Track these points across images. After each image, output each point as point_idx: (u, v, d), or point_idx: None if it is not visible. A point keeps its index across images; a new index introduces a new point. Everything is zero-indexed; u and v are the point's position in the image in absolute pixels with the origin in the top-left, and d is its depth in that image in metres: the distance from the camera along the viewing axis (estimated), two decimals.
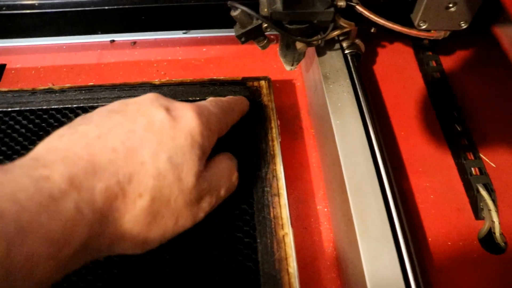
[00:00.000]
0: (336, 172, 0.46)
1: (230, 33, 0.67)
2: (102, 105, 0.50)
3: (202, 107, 0.38)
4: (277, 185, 0.45)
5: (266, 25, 0.45)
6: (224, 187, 0.39)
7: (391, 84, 0.62)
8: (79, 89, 0.53)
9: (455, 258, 0.48)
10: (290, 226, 0.43)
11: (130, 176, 0.31)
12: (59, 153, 0.30)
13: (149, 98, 0.37)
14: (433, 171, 0.54)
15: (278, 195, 0.44)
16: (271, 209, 0.44)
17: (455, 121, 0.57)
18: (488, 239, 0.49)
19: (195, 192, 0.35)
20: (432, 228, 0.50)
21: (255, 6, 0.45)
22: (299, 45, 0.46)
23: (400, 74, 0.63)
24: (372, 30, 0.55)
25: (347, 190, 0.43)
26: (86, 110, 0.51)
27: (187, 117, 0.35)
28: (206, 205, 0.37)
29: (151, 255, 0.38)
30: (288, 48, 0.49)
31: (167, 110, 0.35)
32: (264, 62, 0.64)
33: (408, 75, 0.63)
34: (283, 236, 0.42)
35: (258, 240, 0.42)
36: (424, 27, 0.47)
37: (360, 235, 0.40)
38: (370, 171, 0.44)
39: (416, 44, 0.66)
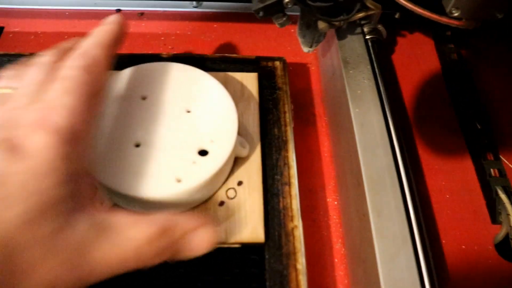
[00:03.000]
0: (352, 164, 0.43)
1: (243, 10, 0.63)
2: None
3: (48, 114, 0.29)
4: (289, 173, 0.42)
5: (287, 0, 0.42)
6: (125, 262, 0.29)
7: (409, 75, 0.58)
8: None
9: (469, 263, 0.45)
10: (300, 218, 0.40)
11: None
12: None
13: None
14: (449, 169, 0.51)
15: (289, 184, 0.41)
16: (281, 199, 0.41)
17: (475, 119, 0.54)
18: (504, 245, 0.47)
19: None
20: (446, 229, 0.47)
21: None
22: (321, 25, 0.43)
23: (419, 65, 0.60)
24: (397, 16, 0.52)
25: (364, 184, 0.40)
26: None
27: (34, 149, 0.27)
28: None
29: None
30: (308, 27, 0.46)
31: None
32: (279, 43, 0.61)
33: (427, 67, 0.60)
34: (292, 229, 0.39)
35: (265, 232, 0.39)
36: (456, 14, 0.43)
37: (376, 234, 0.38)
38: (390, 166, 0.41)
39: (437, 35, 0.63)
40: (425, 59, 0.60)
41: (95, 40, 0.34)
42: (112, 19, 0.37)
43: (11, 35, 0.59)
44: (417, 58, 0.60)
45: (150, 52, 0.56)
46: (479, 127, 0.53)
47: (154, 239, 0.30)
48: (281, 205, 0.40)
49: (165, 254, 0.31)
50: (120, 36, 0.36)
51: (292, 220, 0.39)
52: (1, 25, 0.60)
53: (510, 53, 0.61)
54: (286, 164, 0.42)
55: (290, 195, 0.41)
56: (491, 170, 0.50)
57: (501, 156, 0.51)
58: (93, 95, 0.31)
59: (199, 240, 0.32)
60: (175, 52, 0.57)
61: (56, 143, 0.28)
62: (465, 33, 0.57)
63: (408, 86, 0.57)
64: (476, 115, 0.54)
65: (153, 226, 0.30)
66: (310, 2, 0.41)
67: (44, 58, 0.33)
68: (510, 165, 0.51)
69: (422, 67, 0.60)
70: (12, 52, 0.50)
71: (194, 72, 0.43)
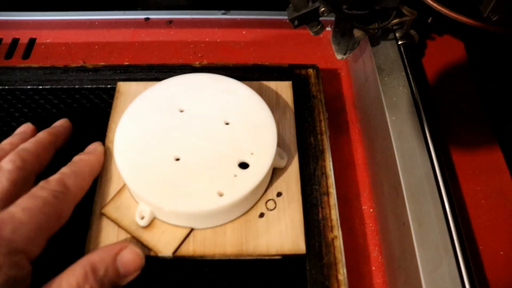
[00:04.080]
0: (389, 172, 0.43)
1: (271, 16, 0.63)
2: None
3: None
4: (327, 183, 0.42)
5: (323, 9, 0.42)
6: None
7: (439, 79, 0.58)
8: (114, 68, 0.50)
9: (508, 269, 0.45)
10: (339, 228, 0.40)
11: None
12: None
13: None
14: (484, 174, 0.50)
15: (328, 194, 0.41)
16: (320, 209, 0.40)
17: (509, 122, 0.53)
18: None
19: None
20: (483, 235, 0.46)
21: None
22: (357, 33, 0.43)
23: (449, 69, 0.59)
24: (429, 21, 0.51)
25: (404, 192, 0.40)
26: None
27: None
28: None
29: None
30: (343, 35, 0.45)
31: None
32: (307, 48, 0.60)
33: (458, 71, 0.59)
34: (332, 239, 0.39)
35: (305, 243, 0.39)
36: (494, 19, 0.43)
37: (418, 243, 0.37)
38: (429, 174, 0.41)
39: (467, 37, 0.62)
40: (455, 62, 0.60)
41: (74, 169, 0.37)
42: (93, 148, 0.41)
43: (43, 47, 0.60)
44: (447, 61, 0.59)
45: (180, 61, 0.57)
46: None
47: (83, 281, 0.31)
48: (320, 215, 0.40)
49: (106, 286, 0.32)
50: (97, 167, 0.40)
51: (332, 231, 0.39)
52: (33, 36, 0.61)
53: None
54: (324, 174, 0.42)
55: (329, 205, 0.41)
56: None
57: None
58: (53, 217, 0.33)
59: (128, 258, 0.34)
60: (205, 60, 0.58)
61: None
62: (497, 35, 0.56)
63: (438, 89, 0.56)
64: (510, 119, 0.54)
65: (75, 273, 0.31)
66: (346, 10, 0.41)
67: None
68: None
69: (453, 70, 0.59)
70: (46, 65, 0.50)
71: (229, 82, 0.43)
